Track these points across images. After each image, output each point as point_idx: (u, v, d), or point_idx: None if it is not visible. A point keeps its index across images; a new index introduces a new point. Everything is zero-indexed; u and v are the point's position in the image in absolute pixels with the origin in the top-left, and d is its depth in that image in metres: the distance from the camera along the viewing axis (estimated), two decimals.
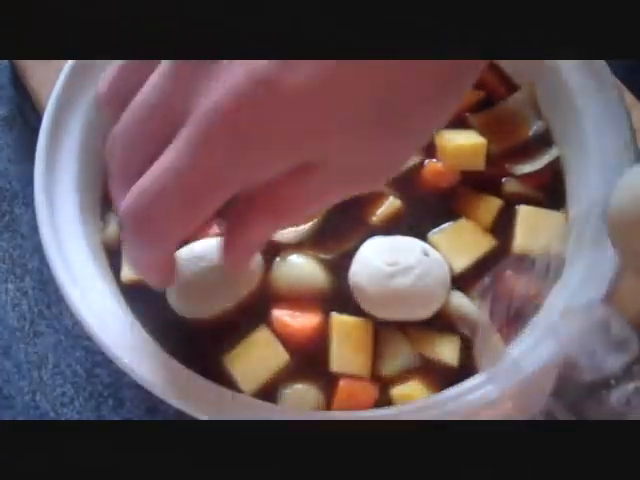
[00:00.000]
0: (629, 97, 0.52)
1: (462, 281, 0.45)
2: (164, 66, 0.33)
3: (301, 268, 0.45)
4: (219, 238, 0.42)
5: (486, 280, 0.41)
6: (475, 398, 0.39)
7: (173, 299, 0.44)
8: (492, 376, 0.38)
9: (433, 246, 0.46)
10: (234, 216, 0.35)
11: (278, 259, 0.46)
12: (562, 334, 0.35)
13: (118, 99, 0.35)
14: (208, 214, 0.33)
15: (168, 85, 0.33)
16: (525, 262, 0.40)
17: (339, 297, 0.45)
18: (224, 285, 0.44)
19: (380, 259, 0.44)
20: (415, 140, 0.35)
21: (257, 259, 0.45)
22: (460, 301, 0.44)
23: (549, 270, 0.41)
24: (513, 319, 0.39)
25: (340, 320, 0.44)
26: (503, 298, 0.39)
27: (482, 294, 0.40)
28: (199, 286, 0.44)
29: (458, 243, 0.46)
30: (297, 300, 0.45)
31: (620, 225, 0.34)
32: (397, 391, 0.43)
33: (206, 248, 0.45)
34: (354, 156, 0.34)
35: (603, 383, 0.33)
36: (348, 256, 0.46)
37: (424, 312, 0.44)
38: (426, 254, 0.44)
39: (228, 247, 0.37)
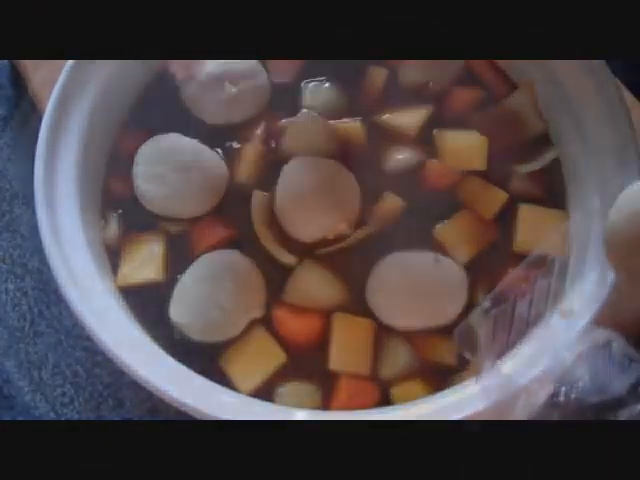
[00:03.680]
0: (629, 97, 0.52)
1: (468, 272, 0.45)
2: None
3: (313, 280, 0.45)
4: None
5: (492, 295, 0.40)
6: (474, 398, 0.39)
7: (179, 319, 0.44)
8: (485, 390, 0.38)
9: (439, 240, 0.46)
10: None
11: (293, 270, 0.46)
12: (562, 354, 0.35)
13: None
14: None
15: None
16: (540, 265, 0.40)
17: (343, 301, 0.45)
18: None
19: (395, 274, 0.45)
20: None
21: None
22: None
23: (559, 273, 0.40)
24: (513, 333, 0.39)
25: (342, 319, 0.44)
26: (506, 315, 0.39)
27: (487, 310, 0.40)
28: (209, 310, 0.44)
29: (462, 234, 0.46)
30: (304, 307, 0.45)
31: (617, 242, 0.34)
32: (397, 391, 0.43)
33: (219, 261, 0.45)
34: None
35: (609, 405, 0.33)
36: (355, 259, 0.46)
37: (447, 315, 0.44)
38: (437, 261, 0.45)
39: None
